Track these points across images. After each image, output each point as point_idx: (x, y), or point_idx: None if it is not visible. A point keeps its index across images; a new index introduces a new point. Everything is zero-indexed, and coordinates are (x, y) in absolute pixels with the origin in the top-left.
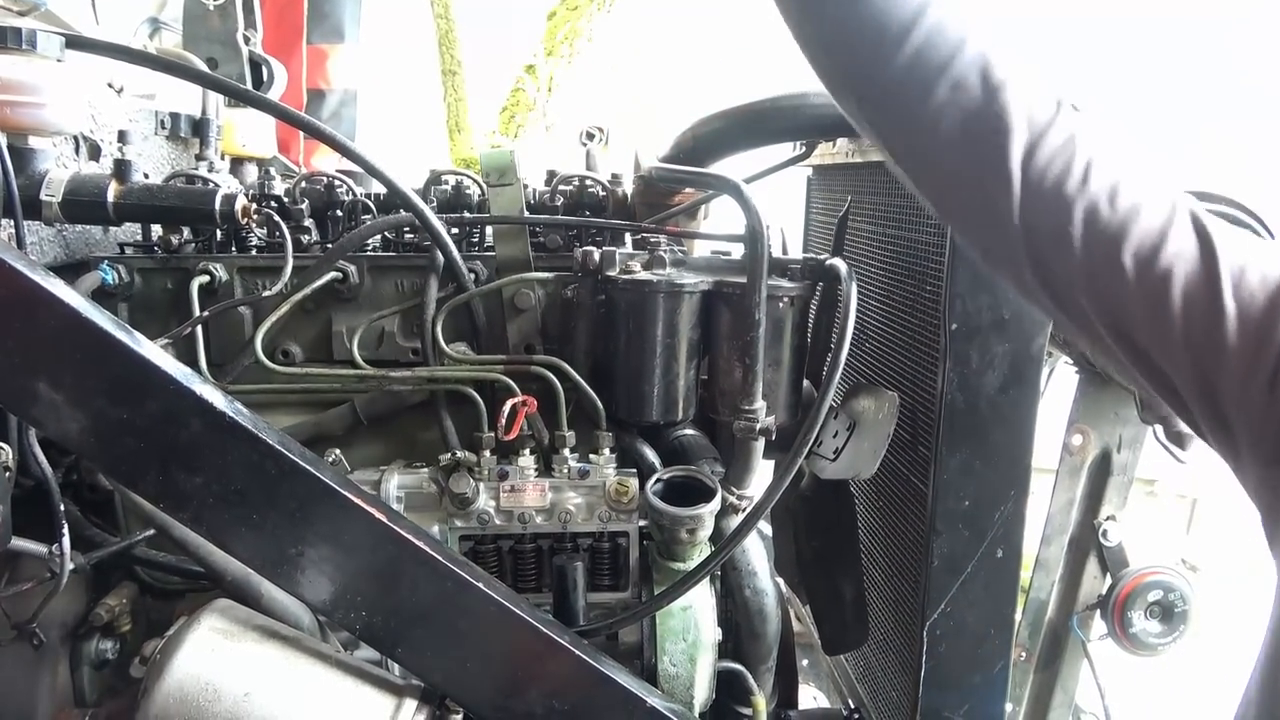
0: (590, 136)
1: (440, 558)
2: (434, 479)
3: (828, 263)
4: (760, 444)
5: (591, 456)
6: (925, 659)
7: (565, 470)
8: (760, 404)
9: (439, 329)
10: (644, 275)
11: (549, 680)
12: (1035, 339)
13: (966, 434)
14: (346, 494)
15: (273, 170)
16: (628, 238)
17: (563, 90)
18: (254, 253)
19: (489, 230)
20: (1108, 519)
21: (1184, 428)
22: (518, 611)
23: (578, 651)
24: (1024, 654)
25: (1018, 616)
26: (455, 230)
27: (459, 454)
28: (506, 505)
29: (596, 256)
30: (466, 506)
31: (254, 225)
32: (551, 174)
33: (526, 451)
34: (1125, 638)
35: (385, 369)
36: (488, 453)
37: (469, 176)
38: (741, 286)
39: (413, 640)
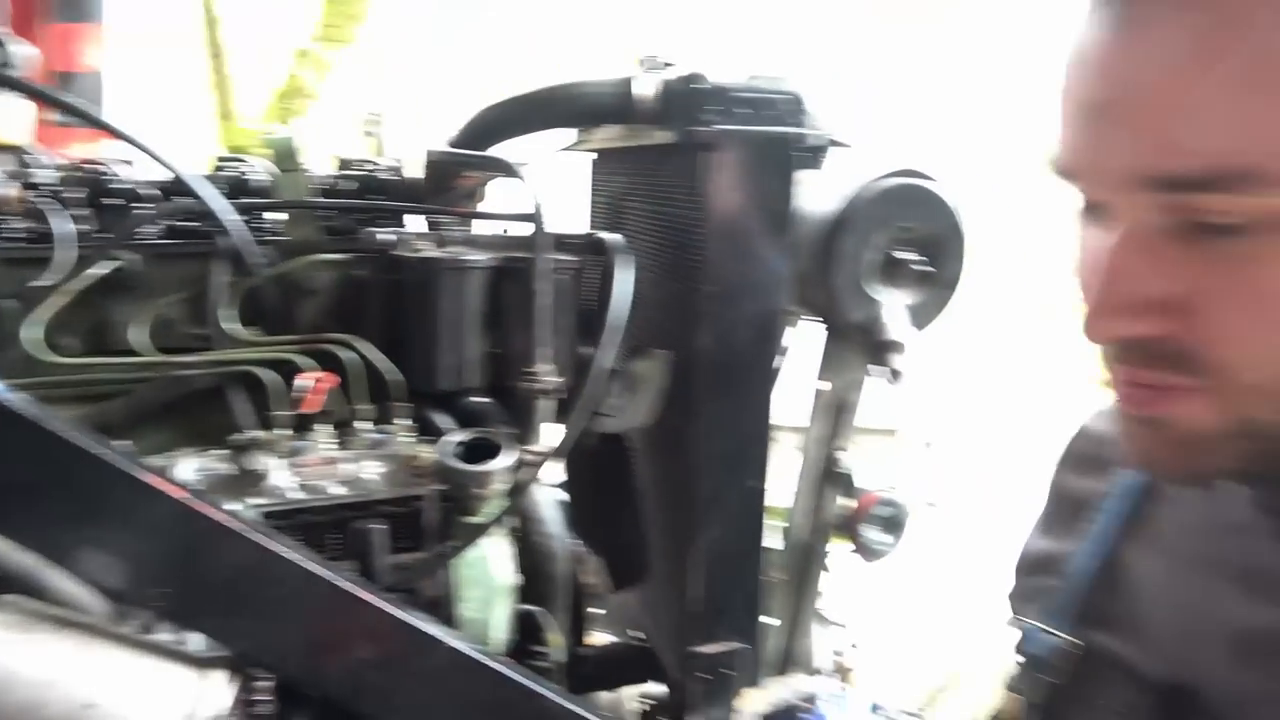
0: (371, 123)
1: (240, 529)
2: (228, 460)
3: (599, 237)
4: (546, 403)
5: (388, 427)
6: (693, 583)
7: (363, 442)
8: (545, 367)
9: (229, 313)
10: (433, 254)
11: (354, 634)
12: (777, 298)
13: (723, 384)
14: (139, 475)
15: (32, 158)
16: (417, 219)
17: (341, 75)
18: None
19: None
20: (841, 450)
21: (898, 366)
22: (320, 572)
23: (379, 604)
24: (783, 575)
25: (772, 543)
26: (243, 216)
27: (253, 433)
28: (305, 479)
29: (386, 237)
30: (260, 483)
31: (20, 215)
32: (341, 160)
33: (320, 427)
34: (860, 548)
35: (172, 356)
36: (284, 430)
37: (253, 162)
38: (526, 261)
39: (217, 612)
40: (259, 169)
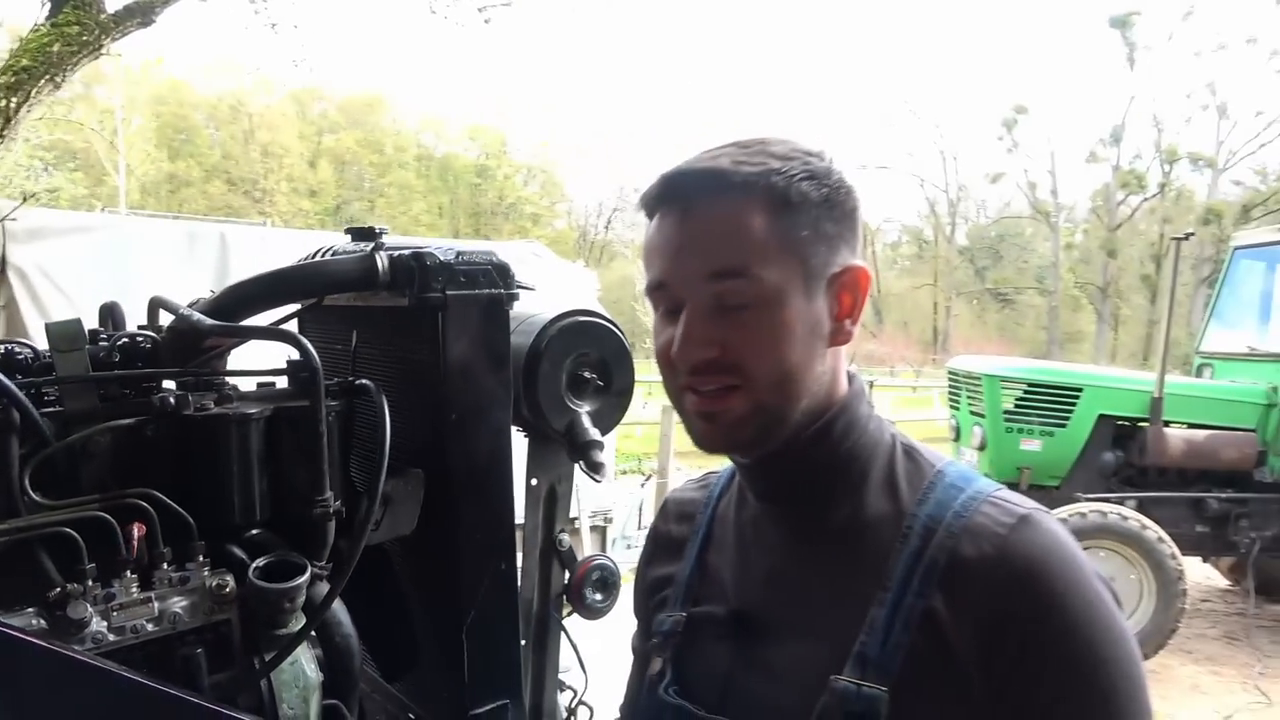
0: None
1: (85, 659)
2: (41, 615)
3: (358, 383)
4: (332, 524)
5: (188, 564)
6: (466, 657)
7: (166, 581)
8: (329, 493)
9: (26, 482)
10: (217, 410)
11: None
12: (503, 418)
13: (472, 488)
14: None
15: None
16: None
17: None
18: None
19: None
20: (561, 531)
21: (599, 458)
22: (169, 690)
23: (221, 710)
24: (523, 642)
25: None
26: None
27: (68, 586)
28: (118, 622)
29: (172, 400)
30: (82, 630)
31: None
32: (95, 333)
33: (128, 573)
34: (583, 608)
35: None
36: (91, 582)
37: (19, 343)
38: (296, 409)
39: None
40: (21, 349)
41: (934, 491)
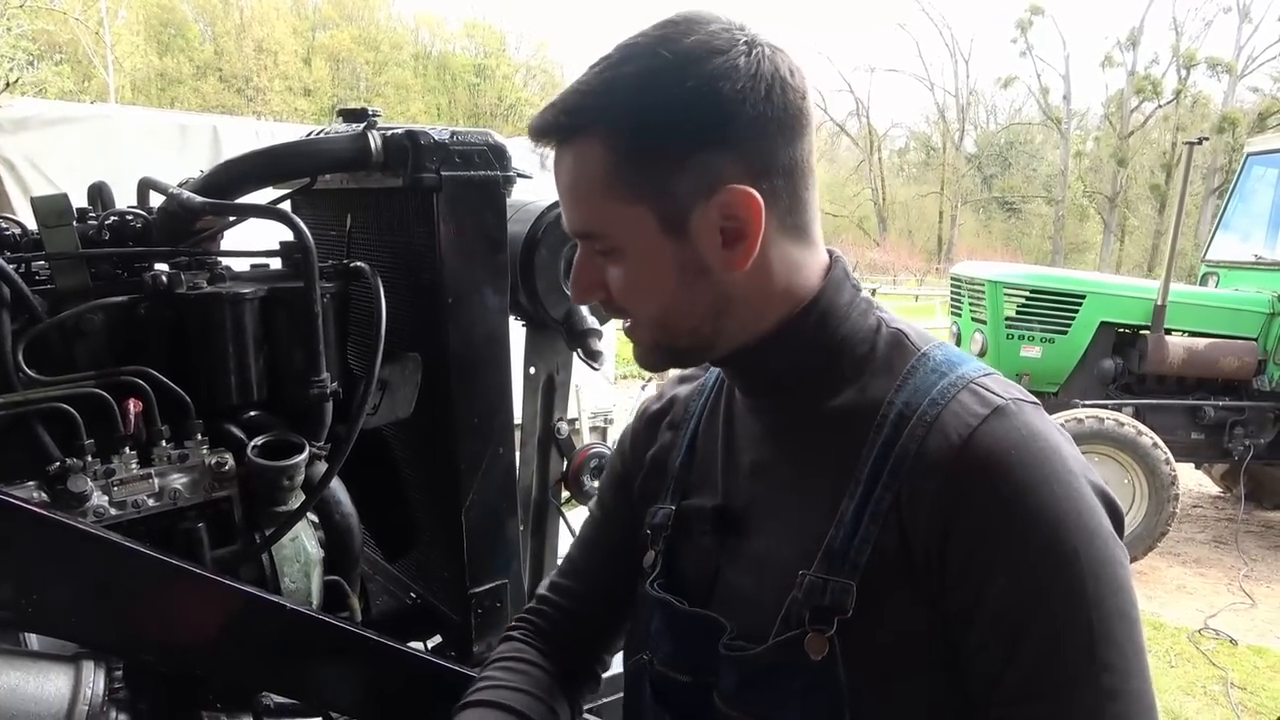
0: None
1: (90, 529)
2: (41, 489)
3: (352, 265)
4: (329, 405)
5: (186, 443)
6: (466, 538)
7: (165, 458)
8: (325, 374)
9: (20, 358)
10: (211, 290)
11: (206, 614)
12: (499, 301)
13: (468, 372)
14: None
15: None
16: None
17: None
18: None
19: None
20: (559, 420)
21: (597, 345)
22: (171, 561)
23: (223, 580)
24: (521, 527)
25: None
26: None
27: (68, 461)
28: (119, 497)
29: (165, 279)
30: (83, 504)
31: None
32: (84, 212)
33: (126, 449)
34: (581, 495)
35: None
36: (90, 457)
37: (6, 218)
38: (291, 290)
39: (80, 614)
40: (15, 224)
41: (913, 377)
